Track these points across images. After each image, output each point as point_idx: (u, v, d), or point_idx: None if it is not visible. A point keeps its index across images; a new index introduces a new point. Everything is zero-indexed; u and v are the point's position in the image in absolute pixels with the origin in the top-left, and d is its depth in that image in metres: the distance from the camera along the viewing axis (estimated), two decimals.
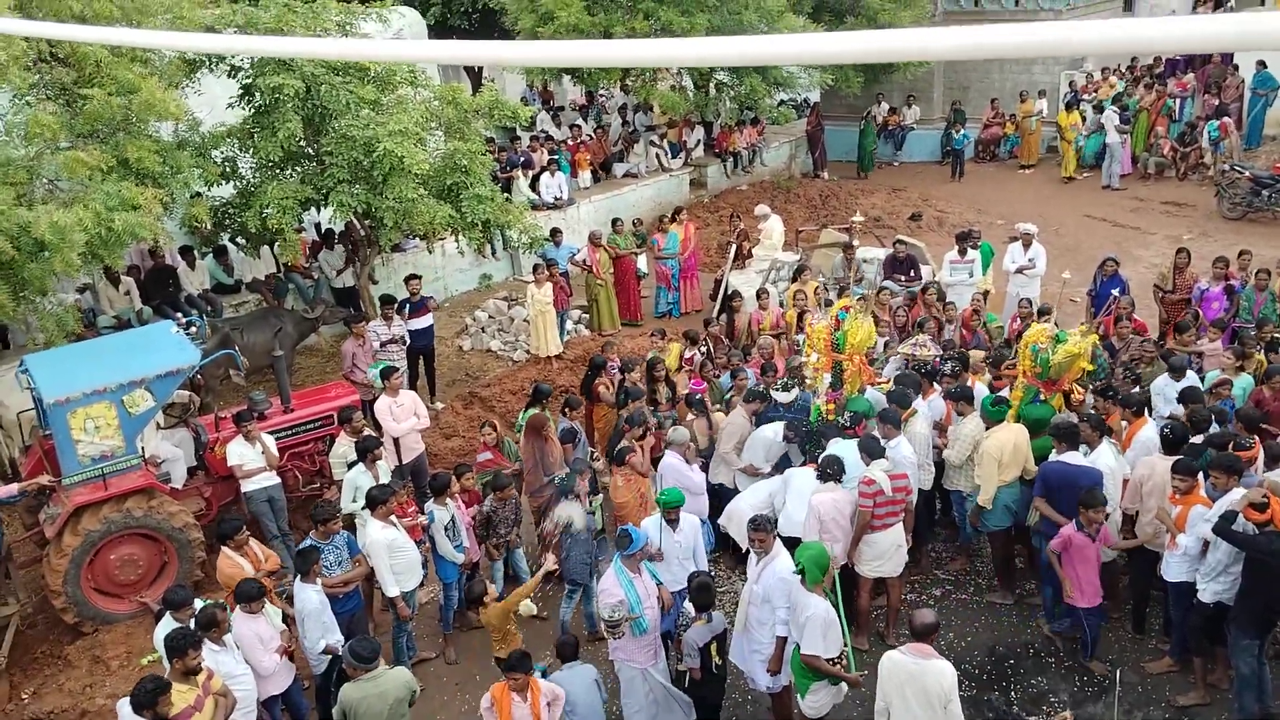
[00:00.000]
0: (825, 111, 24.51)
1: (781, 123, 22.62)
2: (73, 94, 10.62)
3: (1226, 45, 1.84)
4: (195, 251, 14.62)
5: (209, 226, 12.99)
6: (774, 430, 9.64)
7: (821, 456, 8.73)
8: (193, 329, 11.32)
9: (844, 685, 7.25)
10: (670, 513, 8.20)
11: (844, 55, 2.23)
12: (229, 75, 12.24)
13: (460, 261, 17.29)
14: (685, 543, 8.34)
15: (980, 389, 9.76)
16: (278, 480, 10.18)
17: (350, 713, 6.80)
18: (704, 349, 12.24)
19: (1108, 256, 13.37)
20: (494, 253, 17.66)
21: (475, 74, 23.06)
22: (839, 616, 7.05)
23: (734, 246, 16.19)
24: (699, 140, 22.51)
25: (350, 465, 9.58)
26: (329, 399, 11.26)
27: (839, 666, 7.00)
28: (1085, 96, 23.14)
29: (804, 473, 8.98)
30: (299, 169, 12.50)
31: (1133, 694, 8.08)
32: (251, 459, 9.87)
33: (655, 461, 9.53)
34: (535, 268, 14.69)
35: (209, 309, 14.02)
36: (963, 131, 23.75)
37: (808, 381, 10.08)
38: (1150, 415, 9.26)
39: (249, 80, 12.06)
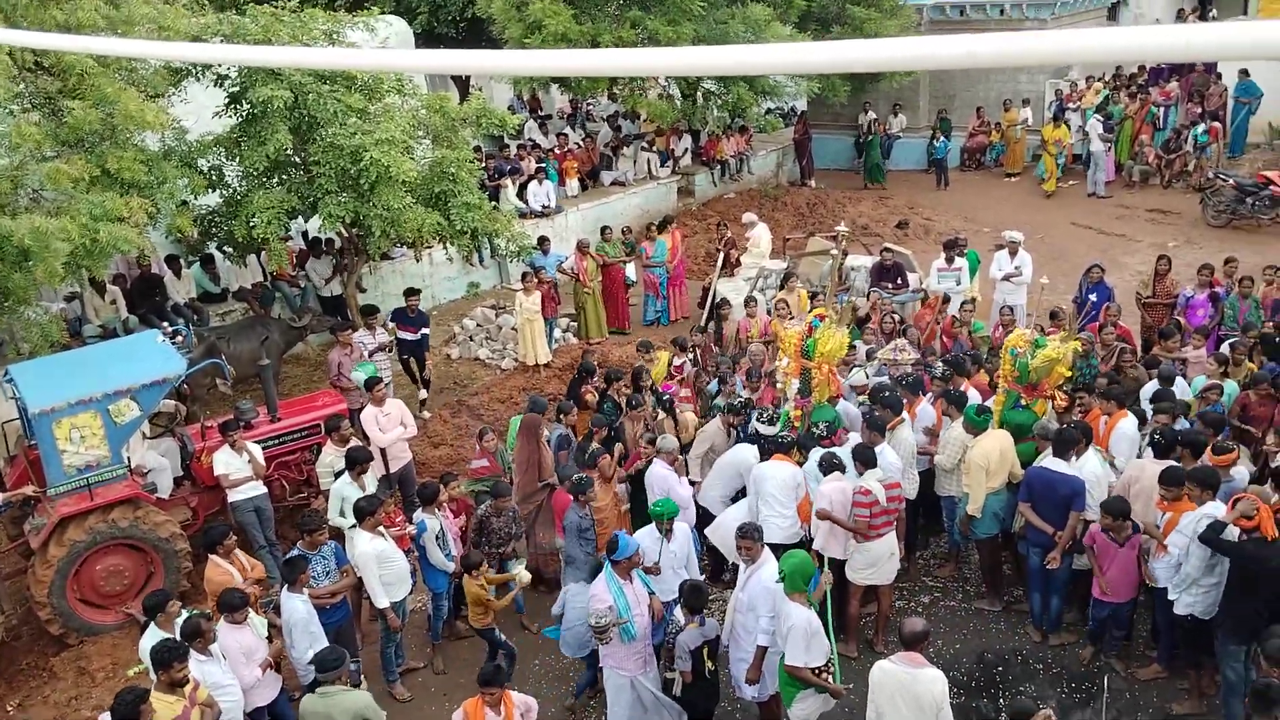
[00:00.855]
0: (812, 120, 24.54)
1: (769, 131, 22.63)
2: (58, 104, 10.57)
3: (1211, 55, 1.85)
4: (181, 260, 14.58)
5: (195, 236, 12.96)
6: (750, 453, 9.33)
7: (819, 458, 8.74)
8: (179, 338, 11.27)
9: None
10: (665, 523, 8.17)
11: (830, 65, 2.22)
12: (215, 84, 12.21)
13: (448, 270, 17.26)
14: (679, 552, 8.33)
15: (974, 395, 9.76)
16: (264, 490, 10.13)
17: None
18: (693, 357, 12.25)
19: (1093, 263, 13.45)
20: (481, 261, 17.63)
21: (463, 83, 23.06)
22: (826, 625, 7.04)
23: (722, 254, 16.20)
24: (686, 149, 22.54)
25: (337, 474, 9.51)
26: (316, 408, 11.24)
27: (824, 676, 6.99)
28: (1070, 105, 23.25)
29: (771, 464, 8.90)
30: (285, 178, 12.46)
31: (1120, 700, 8.11)
32: (238, 468, 9.80)
33: (641, 473, 9.51)
34: (524, 275, 14.68)
35: (195, 318, 13.96)
36: (943, 140, 23.81)
37: (779, 385, 10.08)
38: (1139, 421, 9.28)
39: (235, 89, 12.04)
